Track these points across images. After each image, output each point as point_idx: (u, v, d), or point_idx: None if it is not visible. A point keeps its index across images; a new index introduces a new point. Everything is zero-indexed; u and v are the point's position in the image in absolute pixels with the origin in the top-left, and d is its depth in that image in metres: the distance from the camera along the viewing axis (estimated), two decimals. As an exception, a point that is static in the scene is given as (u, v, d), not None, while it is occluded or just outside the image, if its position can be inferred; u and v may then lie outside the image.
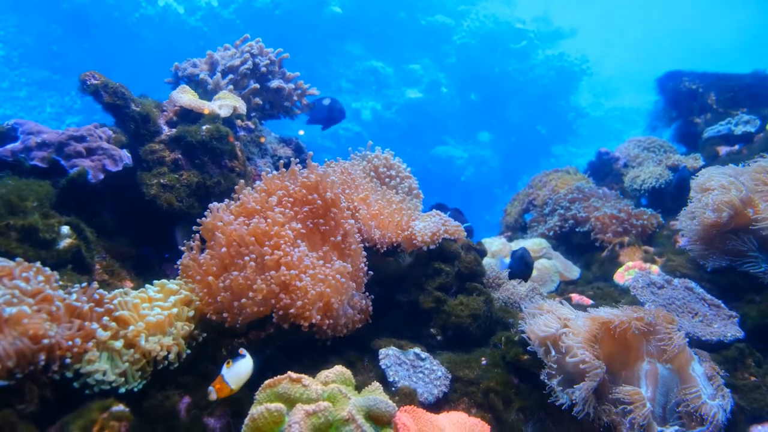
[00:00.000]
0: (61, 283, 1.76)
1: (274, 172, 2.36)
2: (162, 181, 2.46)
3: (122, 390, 1.65)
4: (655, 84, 4.85)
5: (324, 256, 2.18)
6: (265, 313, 1.98)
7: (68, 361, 1.57)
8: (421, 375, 2.04)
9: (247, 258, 1.97)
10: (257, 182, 2.40)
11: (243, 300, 1.92)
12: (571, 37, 18.72)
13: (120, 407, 1.56)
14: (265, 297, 1.93)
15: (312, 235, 2.24)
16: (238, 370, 1.67)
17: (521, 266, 2.88)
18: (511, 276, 2.90)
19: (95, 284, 1.82)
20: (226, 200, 2.27)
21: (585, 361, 1.80)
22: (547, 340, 1.98)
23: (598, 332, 1.89)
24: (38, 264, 1.72)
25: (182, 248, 2.16)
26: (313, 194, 2.26)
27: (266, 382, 1.57)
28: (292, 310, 1.91)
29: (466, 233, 2.72)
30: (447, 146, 15.83)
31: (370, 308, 2.27)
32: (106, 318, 1.72)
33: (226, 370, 1.65)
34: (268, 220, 2.08)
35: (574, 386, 1.82)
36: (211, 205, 2.19)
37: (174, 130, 2.64)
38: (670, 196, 3.20)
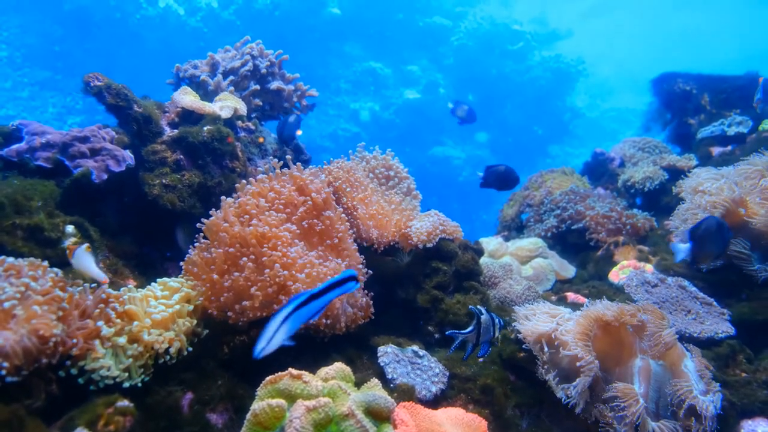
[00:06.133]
0: (64, 283, 1.79)
1: (263, 176, 2.36)
2: (164, 181, 2.50)
3: (126, 385, 1.68)
4: (650, 85, 4.89)
5: (322, 255, 2.21)
6: (267, 314, 2.01)
7: (68, 363, 1.61)
8: (419, 372, 2.07)
9: (245, 259, 2.00)
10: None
11: (245, 302, 1.95)
12: (567, 39, 18.78)
13: (125, 402, 1.60)
14: (265, 300, 1.96)
15: (308, 235, 2.27)
16: (86, 263, 1.88)
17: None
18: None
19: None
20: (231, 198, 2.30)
21: (579, 356, 1.84)
22: (541, 338, 2.02)
23: (591, 329, 1.93)
24: (46, 263, 1.76)
25: (184, 247, 2.19)
26: (303, 196, 2.29)
27: (267, 378, 1.60)
28: None
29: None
30: (445, 146, 15.85)
31: (371, 306, 2.31)
32: (112, 314, 1.76)
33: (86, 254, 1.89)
34: (265, 225, 2.11)
35: (571, 382, 1.86)
36: (223, 200, 2.22)
37: (176, 131, 2.67)
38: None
